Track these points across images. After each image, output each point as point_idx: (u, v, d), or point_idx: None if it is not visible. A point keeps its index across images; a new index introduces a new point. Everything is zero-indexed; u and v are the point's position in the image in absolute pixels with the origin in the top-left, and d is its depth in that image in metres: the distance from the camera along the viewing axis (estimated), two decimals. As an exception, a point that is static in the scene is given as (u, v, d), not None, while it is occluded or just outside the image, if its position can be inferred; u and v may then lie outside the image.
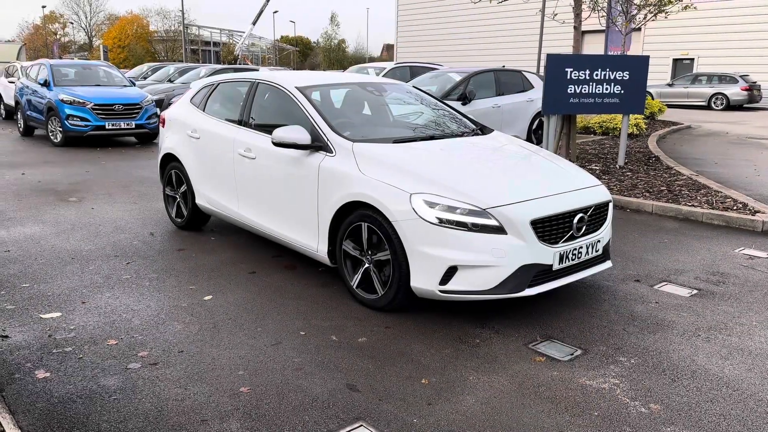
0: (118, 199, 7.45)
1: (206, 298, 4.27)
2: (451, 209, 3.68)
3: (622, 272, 4.90)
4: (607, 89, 9.13)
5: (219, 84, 5.75)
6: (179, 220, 6.06)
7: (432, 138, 4.69)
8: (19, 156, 10.99)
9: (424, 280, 3.74)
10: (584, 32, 28.95)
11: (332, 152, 4.31)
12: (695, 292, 4.50)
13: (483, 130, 5.18)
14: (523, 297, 3.86)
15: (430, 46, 33.65)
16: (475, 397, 3.03)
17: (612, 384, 3.16)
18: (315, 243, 4.42)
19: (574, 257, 3.91)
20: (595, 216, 4.09)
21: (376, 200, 3.89)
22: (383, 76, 13.06)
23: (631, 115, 13.47)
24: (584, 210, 3.97)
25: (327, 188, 4.24)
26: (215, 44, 70.75)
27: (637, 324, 3.91)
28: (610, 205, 4.28)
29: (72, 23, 77.01)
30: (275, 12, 36.96)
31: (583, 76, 9.04)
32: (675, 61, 29.40)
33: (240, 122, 5.19)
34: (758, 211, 6.50)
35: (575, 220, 3.89)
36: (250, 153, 4.93)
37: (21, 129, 14.18)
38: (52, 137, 12.49)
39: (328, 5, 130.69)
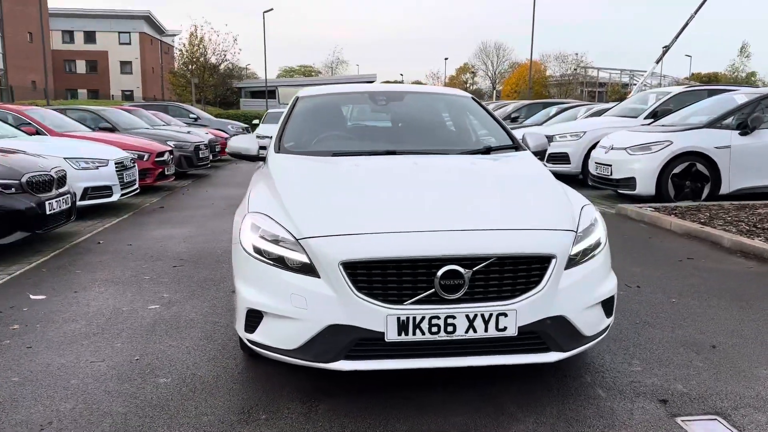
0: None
1: (130, 308, 4.18)
2: (274, 237, 2.78)
3: (664, 383, 2.94)
4: None
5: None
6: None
7: (393, 153, 3.66)
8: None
9: (238, 323, 2.92)
10: None
11: (265, 164, 3.77)
12: (745, 446, 2.41)
13: (518, 147, 3.82)
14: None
15: None
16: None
17: None
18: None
19: (435, 329, 2.52)
20: (503, 273, 2.56)
21: (235, 220, 3.23)
22: (666, 100, 10.75)
23: None
24: (464, 260, 2.53)
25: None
26: (603, 84, 69.55)
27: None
28: (552, 263, 2.60)
29: (474, 73, 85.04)
30: (664, 47, 34.33)
31: None
32: None
33: None
34: None
35: (439, 273, 2.51)
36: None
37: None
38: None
39: (738, 35, 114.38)
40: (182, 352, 3.38)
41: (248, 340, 2.83)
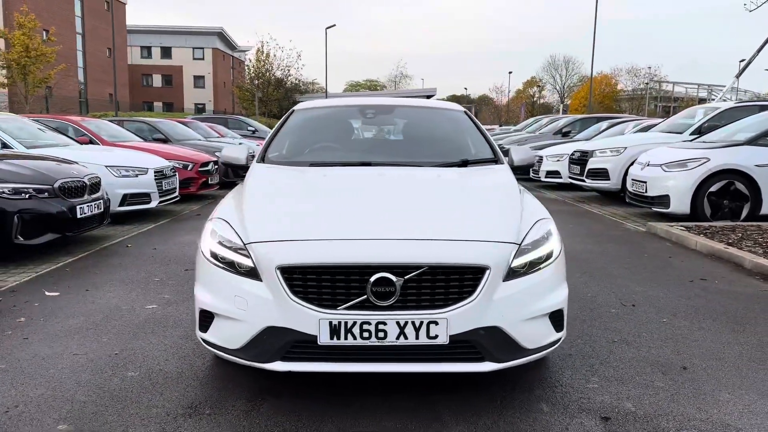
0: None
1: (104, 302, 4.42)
2: (229, 243, 2.93)
3: (614, 402, 2.89)
4: None
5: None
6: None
7: (368, 164, 3.76)
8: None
9: (196, 323, 3.09)
10: None
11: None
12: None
13: (497, 161, 3.86)
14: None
15: None
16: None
17: None
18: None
19: (366, 335, 2.59)
20: (435, 282, 2.61)
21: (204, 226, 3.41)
22: (714, 116, 10.33)
23: None
24: (396, 268, 2.59)
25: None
26: (677, 99, 67.15)
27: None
28: (486, 274, 2.63)
29: (541, 87, 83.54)
30: (741, 61, 33.27)
31: None
32: None
33: None
34: None
35: (371, 280, 2.59)
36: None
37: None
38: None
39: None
40: (159, 349, 3.58)
41: (202, 338, 2.99)
